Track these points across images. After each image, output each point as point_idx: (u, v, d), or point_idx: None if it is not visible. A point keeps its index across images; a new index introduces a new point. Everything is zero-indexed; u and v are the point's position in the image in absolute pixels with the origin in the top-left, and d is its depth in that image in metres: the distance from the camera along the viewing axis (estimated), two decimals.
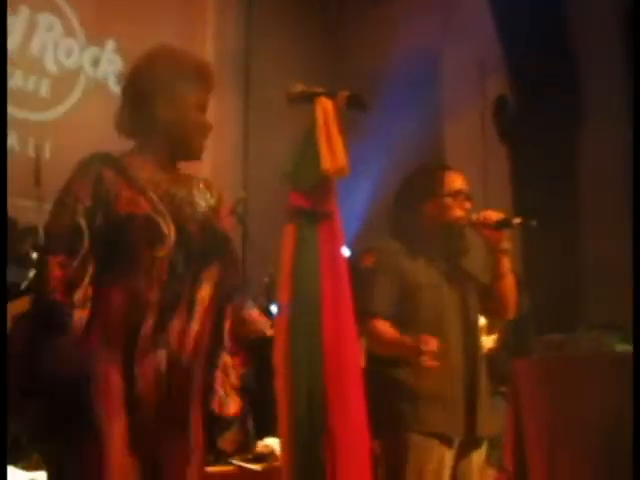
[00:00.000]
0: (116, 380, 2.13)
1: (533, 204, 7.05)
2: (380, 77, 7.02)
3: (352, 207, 5.62)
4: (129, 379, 2.15)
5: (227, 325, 2.38)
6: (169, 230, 2.20)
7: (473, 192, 3.19)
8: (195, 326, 2.24)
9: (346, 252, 3.87)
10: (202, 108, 2.39)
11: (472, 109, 7.82)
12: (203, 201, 2.39)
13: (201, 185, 2.43)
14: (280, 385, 2.29)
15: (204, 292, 2.26)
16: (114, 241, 2.20)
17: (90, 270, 2.17)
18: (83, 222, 2.17)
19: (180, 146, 2.36)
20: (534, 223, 3.08)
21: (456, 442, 2.86)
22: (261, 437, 4.53)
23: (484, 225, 3.00)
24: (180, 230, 2.24)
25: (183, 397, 2.24)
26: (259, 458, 4.36)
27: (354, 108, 2.37)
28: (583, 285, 7.61)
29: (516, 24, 7.67)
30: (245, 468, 4.23)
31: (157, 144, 2.33)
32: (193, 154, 2.41)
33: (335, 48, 7.89)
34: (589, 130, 7.90)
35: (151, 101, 2.30)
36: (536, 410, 5.47)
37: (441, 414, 2.84)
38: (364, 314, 2.79)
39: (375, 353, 2.95)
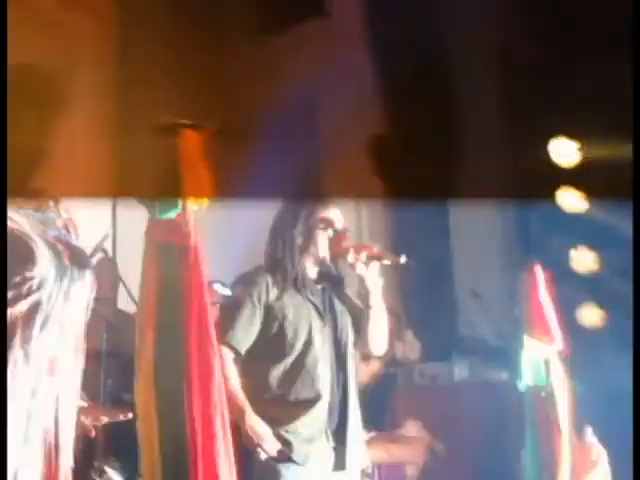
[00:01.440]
0: None
1: (408, 238, 7.16)
2: (262, 111, 7.03)
3: (234, 241, 5.59)
4: None
5: None
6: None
7: (349, 226, 3.23)
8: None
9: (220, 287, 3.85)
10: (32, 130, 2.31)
11: (352, 143, 7.87)
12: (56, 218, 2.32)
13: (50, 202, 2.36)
14: (144, 428, 2.25)
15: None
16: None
17: None
18: None
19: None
20: (403, 261, 3.14)
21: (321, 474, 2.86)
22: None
23: (357, 261, 3.03)
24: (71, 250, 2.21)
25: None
26: None
27: (222, 139, 2.37)
28: (459, 311, 7.73)
29: (393, 59, 7.78)
30: None
31: None
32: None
33: (216, 82, 7.82)
34: (463, 160, 8.07)
35: None
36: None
37: (307, 442, 2.84)
38: (221, 342, 2.79)
39: None
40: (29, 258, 2.12)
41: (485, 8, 8.09)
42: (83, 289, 2.25)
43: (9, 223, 2.13)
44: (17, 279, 2.10)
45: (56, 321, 2.16)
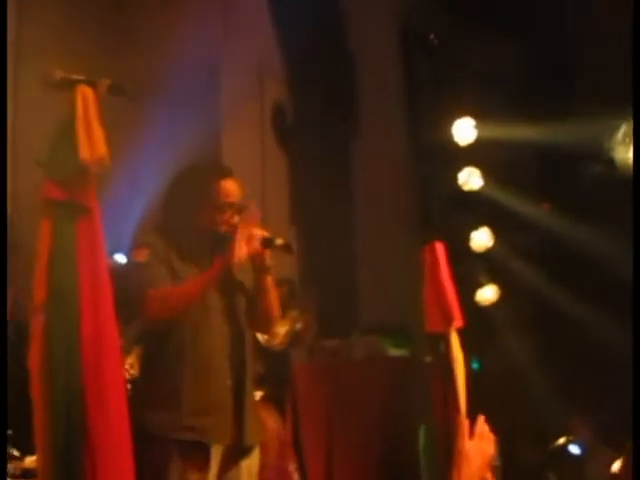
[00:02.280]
0: None
1: (311, 211, 7.17)
2: (162, 78, 6.93)
3: (134, 208, 5.50)
4: None
5: None
6: None
7: (253, 198, 3.21)
8: None
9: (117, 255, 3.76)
10: None
11: (251, 116, 7.86)
12: None
13: None
14: (36, 391, 2.17)
15: None
16: None
17: None
18: None
19: None
20: (292, 247, 3.17)
21: (218, 453, 2.83)
22: (31, 453, 4.33)
23: (249, 240, 3.01)
24: None
25: None
26: (28, 474, 4.22)
27: (116, 95, 2.31)
28: (360, 291, 7.81)
29: (294, 35, 7.76)
30: None
31: None
32: None
33: (119, 45, 7.67)
34: (363, 140, 8.11)
35: None
36: (316, 409, 5.59)
37: (205, 421, 2.81)
38: (135, 298, 2.75)
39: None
40: None
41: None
42: None
43: None
44: None
45: None
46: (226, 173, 3.19)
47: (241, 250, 2.92)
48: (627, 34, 5.46)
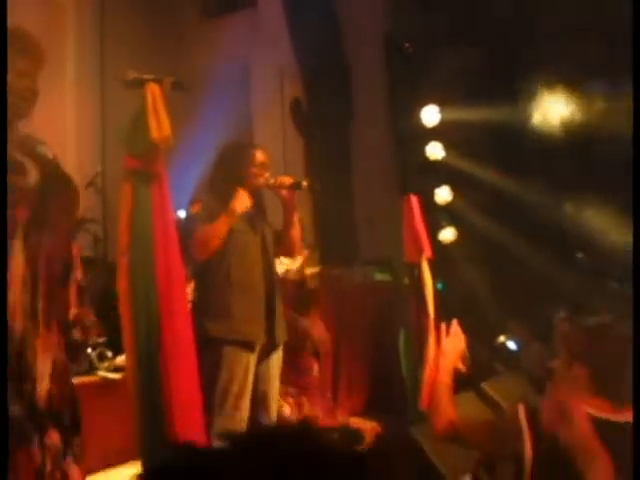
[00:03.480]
0: None
1: (320, 175, 7.14)
2: (207, 76, 6.89)
3: (187, 176, 5.47)
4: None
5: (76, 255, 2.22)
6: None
7: (276, 168, 3.17)
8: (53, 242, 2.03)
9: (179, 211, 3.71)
10: (27, 75, 2.07)
11: (274, 106, 7.82)
12: (46, 151, 2.12)
13: (40, 142, 2.15)
14: (123, 307, 2.18)
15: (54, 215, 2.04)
16: None
17: None
18: None
19: (12, 107, 2.03)
20: (316, 185, 3.13)
21: (257, 349, 2.83)
22: (120, 353, 4.35)
23: (280, 187, 2.99)
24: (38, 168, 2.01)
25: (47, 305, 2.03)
26: (118, 369, 4.15)
27: (177, 91, 2.27)
28: (358, 233, 7.83)
29: (307, 44, 7.67)
30: (107, 377, 4.05)
31: None
32: (22, 114, 2.10)
33: (178, 48, 7.58)
34: (358, 123, 8.13)
35: None
36: (325, 319, 5.63)
37: (247, 327, 2.81)
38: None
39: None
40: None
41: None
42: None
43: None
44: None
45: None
46: (256, 145, 3.20)
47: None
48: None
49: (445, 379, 2.01)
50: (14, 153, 1.98)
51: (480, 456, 2.02)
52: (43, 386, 2.03)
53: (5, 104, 1.99)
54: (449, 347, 2.10)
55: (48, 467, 2.00)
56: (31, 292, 1.98)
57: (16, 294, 1.93)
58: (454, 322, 2.17)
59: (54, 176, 2.10)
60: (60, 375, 2.12)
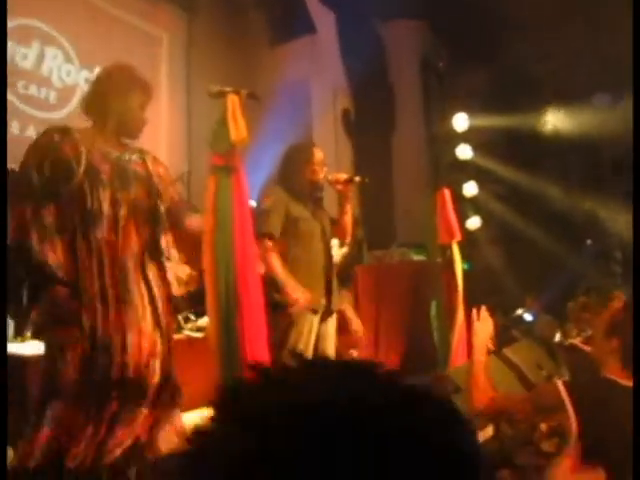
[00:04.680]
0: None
1: (366, 172, 7.07)
2: (279, 89, 6.92)
3: (260, 171, 5.48)
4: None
5: (164, 238, 2.21)
6: (77, 169, 1.99)
7: (329, 166, 3.13)
8: (121, 235, 2.04)
9: (251, 200, 3.70)
10: (142, 108, 2.21)
11: (328, 116, 7.78)
12: (133, 158, 2.19)
13: (135, 151, 2.23)
14: (208, 279, 2.18)
15: (122, 211, 2.05)
16: (46, 176, 1.98)
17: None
18: (35, 175, 1.96)
19: (124, 129, 2.18)
20: (367, 180, 3.07)
21: (319, 313, 2.81)
22: (203, 315, 4.40)
23: (337, 181, 2.95)
24: (114, 173, 2.06)
25: (126, 289, 2.04)
26: (201, 329, 4.19)
27: (251, 99, 2.25)
28: (397, 220, 7.74)
29: (356, 64, 7.60)
30: (191, 336, 4.07)
31: (107, 126, 2.14)
32: (132, 135, 2.22)
33: (250, 69, 7.63)
34: (398, 129, 8.03)
35: (106, 96, 2.13)
36: (368, 294, 5.58)
37: (313, 294, 2.78)
38: (262, 235, 2.69)
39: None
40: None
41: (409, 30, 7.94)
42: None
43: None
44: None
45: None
46: (315, 144, 3.16)
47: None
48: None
49: (480, 357, 1.91)
50: (67, 155, 2.01)
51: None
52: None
53: (5, 104, 2.03)
54: (480, 329, 2.00)
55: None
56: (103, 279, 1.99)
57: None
58: (483, 308, 2.08)
59: (126, 176, 2.12)
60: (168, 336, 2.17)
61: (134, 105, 2.16)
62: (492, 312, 2.11)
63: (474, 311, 2.04)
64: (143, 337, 2.03)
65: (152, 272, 2.12)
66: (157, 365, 2.07)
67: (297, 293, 2.63)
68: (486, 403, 1.78)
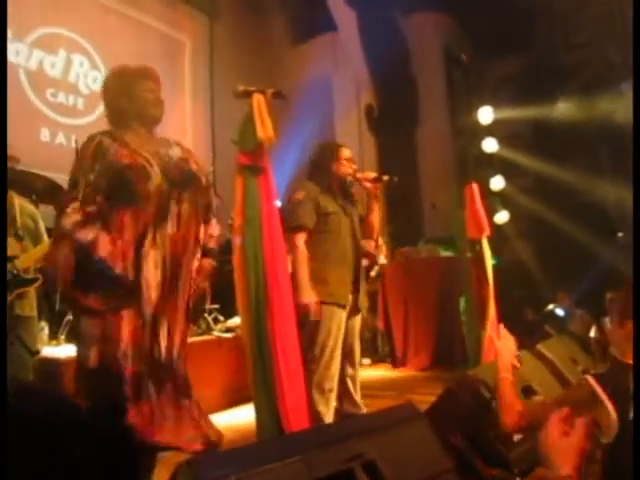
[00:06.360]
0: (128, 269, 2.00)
1: (391, 169, 7.06)
2: (301, 88, 6.94)
3: (285, 169, 5.50)
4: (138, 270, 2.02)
5: (202, 231, 2.25)
6: (154, 171, 2.07)
7: (355, 162, 3.11)
8: (182, 230, 2.13)
9: (278, 198, 3.69)
10: (152, 91, 2.24)
11: (352, 112, 7.76)
12: (176, 153, 2.22)
13: (174, 144, 2.27)
14: (238, 277, 2.17)
15: (184, 207, 2.13)
16: (117, 180, 2.03)
17: (97, 200, 2.00)
18: (82, 176, 2.03)
19: (146, 118, 2.22)
20: (395, 179, 3.05)
21: (347, 309, 2.80)
22: (232, 316, 4.42)
23: (365, 180, 2.95)
24: (164, 171, 2.10)
25: (176, 281, 2.12)
26: (230, 330, 4.25)
27: (277, 98, 2.23)
28: (424, 216, 7.68)
29: (378, 59, 7.56)
30: (221, 337, 4.10)
31: (134, 125, 2.20)
32: (156, 119, 2.25)
33: (273, 69, 7.65)
34: (423, 123, 7.96)
35: (115, 101, 2.20)
36: (396, 291, 5.56)
37: (340, 292, 2.77)
38: (295, 228, 2.70)
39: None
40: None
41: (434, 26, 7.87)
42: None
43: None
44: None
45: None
46: (343, 144, 3.14)
47: None
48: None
49: (506, 375, 1.89)
50: (139, 159, 2.05)
51: None
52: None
53: (5, 104, 2.06)
54: (502, 347, 1.98)
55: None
56: (162, 272, 2.05)
57: (149, 274, 2.03)
58: (501, 326, 2.05)
59: (183, 173, 2.16)
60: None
61: (140, 92, 2.20)
62: (523, 307, 2.07)
63: (492, 334, 2.02)
64: (180, 327, 2.13)
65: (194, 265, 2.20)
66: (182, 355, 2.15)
67: (308, 298, 2.63)
68: (515, 419, 1.76)
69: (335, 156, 2.94)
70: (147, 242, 2.03)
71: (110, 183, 2.02)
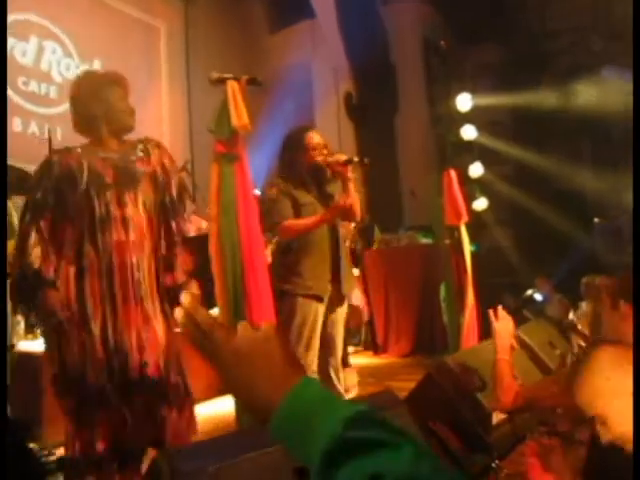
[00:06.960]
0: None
1: (370, 156, 7.05)
2: (277, 75, 6.87)
3: (263, 157, 5.43)
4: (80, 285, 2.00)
5: (175, 226, 2.19)
6: (82, 177, 2.01)
7: (333, 148, 3.03)
8: (134, 234, 2.05)
9: (255, 189, 3.63)
10: (123, 99, 2.16)
11: (331, 98, 7.73)
12: (136, 153, 2.15)
13: (139, 144, 2.19)
14: (215, 267, 2.15)
15: (130, 210, 2.05)
16: (56, 193, 2.01)
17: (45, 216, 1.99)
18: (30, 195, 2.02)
19: (116, 126, 2.14)
20: (366, 161, 2.94)
21: (325, 300, 2.76)
22: (212, 307, 4.36)
23: (337, 163, 2.84)
24: (114, 175, 2.05)
25: (134, 289, 2.06)
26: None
27: (252, 85, 2.20)
28: (403, 203, 7.71)
29: (357, 47, 7.52)
30: None
31: (102, 131, 2.12)
32: (128, 128, 2.17)
33: (251, 56, 7.57)
34: (402, 110, 7.97)
35: (84, 108, 2.11)
36: (377, 276, 5.58)
37: (317, 283, 2.73)
38: (273, 224, 2.65)
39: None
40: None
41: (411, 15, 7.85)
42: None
43: None
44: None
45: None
46: (310, 128, 3.01)
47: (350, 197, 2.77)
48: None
49: (504, 356, 1.88)
50: (73, 167, 2.02)
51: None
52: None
53: (5, 104, 2.01)
54: (501, 328, 1.96)
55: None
56: (107, 282, 2.02)
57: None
58: (499, 307, 2.04)
59: (128, 175, 2.10)
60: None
61: (112, 100, 2.12)
62: (502, 293, 2.08)
63: (490, 312, 2.00)
64: (155, 334, 2.06)
65: (162, 265, 2.14)
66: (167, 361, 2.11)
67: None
68: (512, 399, 1.76)
69: (302, 145, 2.83)
70: (86, 253, 1.98)
71: (55, 197, 2.00)
